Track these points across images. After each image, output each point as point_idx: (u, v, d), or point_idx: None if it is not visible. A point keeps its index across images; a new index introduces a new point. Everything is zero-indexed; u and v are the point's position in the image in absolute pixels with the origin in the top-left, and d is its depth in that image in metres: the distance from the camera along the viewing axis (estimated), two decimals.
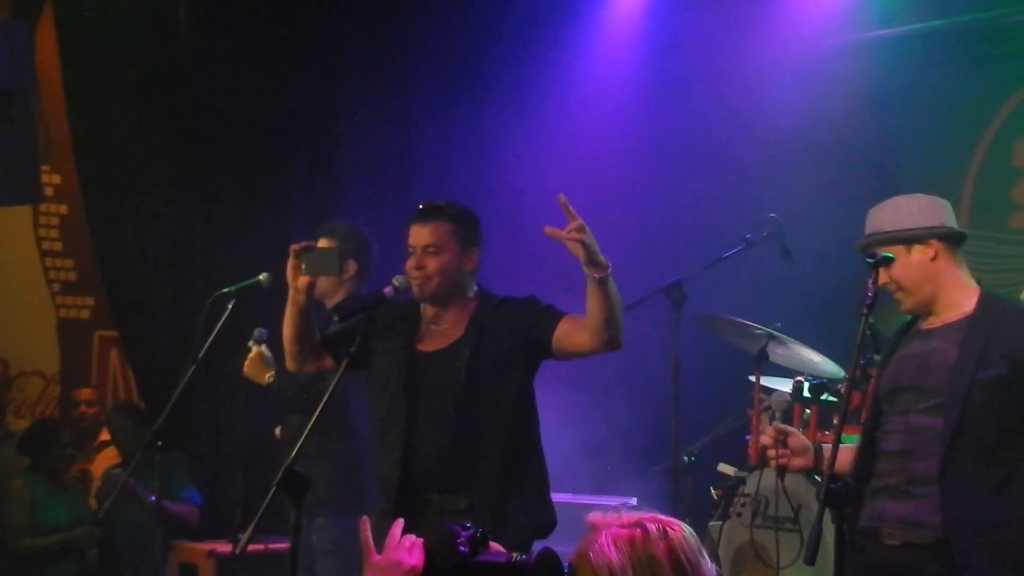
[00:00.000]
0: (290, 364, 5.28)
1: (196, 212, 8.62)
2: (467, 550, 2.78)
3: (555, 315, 4.99)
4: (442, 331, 5.12)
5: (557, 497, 6.94)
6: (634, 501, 6.92)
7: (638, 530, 2.63)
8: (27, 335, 9.62)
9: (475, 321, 5.05)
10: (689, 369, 6.37)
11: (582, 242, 4.66)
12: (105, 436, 8.60)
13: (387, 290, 4.91)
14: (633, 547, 2.60)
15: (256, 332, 6.40)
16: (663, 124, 8.31)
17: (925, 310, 4.58)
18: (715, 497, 6.67)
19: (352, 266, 6.22)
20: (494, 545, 2.84)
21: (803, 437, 4.67)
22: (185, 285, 8.51)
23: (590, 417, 7.63)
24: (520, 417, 5.04)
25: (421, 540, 2.83)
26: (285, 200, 8.80)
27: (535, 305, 5.08)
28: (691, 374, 6.47)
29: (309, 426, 4.53)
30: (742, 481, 6.43)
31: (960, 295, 4.54)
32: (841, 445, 4.42)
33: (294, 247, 5.06)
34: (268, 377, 6.15)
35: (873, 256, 4.42)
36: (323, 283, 5.83)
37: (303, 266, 5.02)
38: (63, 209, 9.67)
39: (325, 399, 4.57)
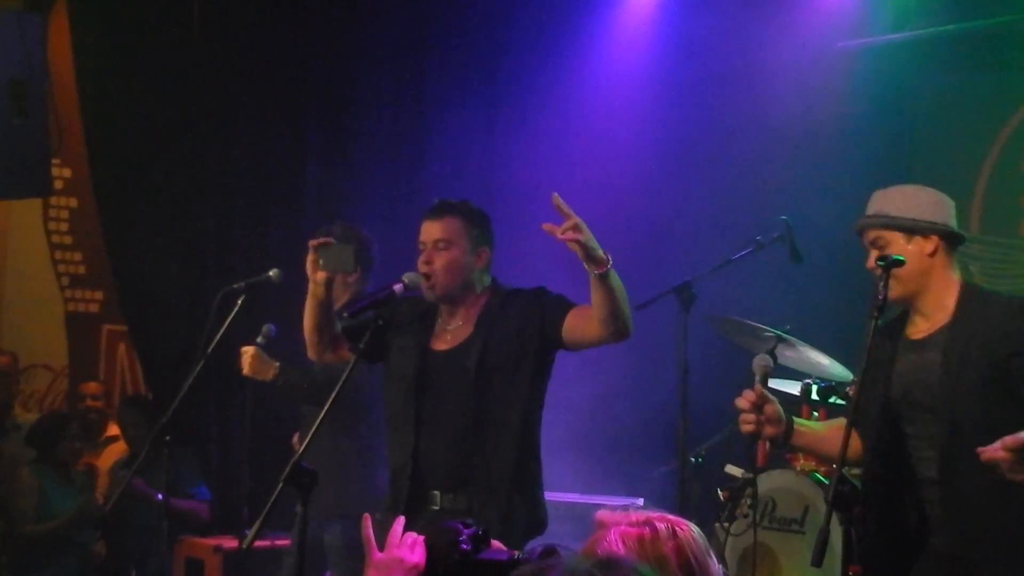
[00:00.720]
0: (311, 354, 5.35)
1: (208, 207, 8.63)
2: (469, 548, 2.78)
3: (564, 306, 5.00)
4: (454, 330, 5.13)
5: (565, 497, 6.98)
6: (641, 502, 6.90)
7: (647, 529, 2.63)
8: (36, 328, 9.64)
9: (483, 318, 5.06)
10: (697, 370, 6.36)
11: (578, 240, 4.62)
12: (114, 430, 8.61)
13: (397, 287, 4.92)
14: (642, 545, 2.61)
15: (265, 328, 6.40)
16: (675, 124, 8.31)
17: (909, 303, 4.56)
18: (722, 498, 6.65)
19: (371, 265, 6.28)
20: (495, 543, 2.84)
21: (779, 407, 4.65)
22: (196, 280, 8.52)
23: (598, 417, 7.63)
24: (528, 416, 5.05)
25: (423, 538, 2.84)
26: (298, 196, 8.80)
27: (544, 296, 5.08)
28: (699, 375, 6.46)
29: (317, 422, 4.53)
30: (749, 483, 6.41)
31: (946, 296, 4.53)
32: (816, 425, 4.47)
33: (312, 243, 5.09)
34: (273, 373, 6.15)
35: (885, 259, 4.41)
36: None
37: (320, 261, 5.04)
38: (73, 202, 9.68)
39: (333, 395, 4.57)
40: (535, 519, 5.04)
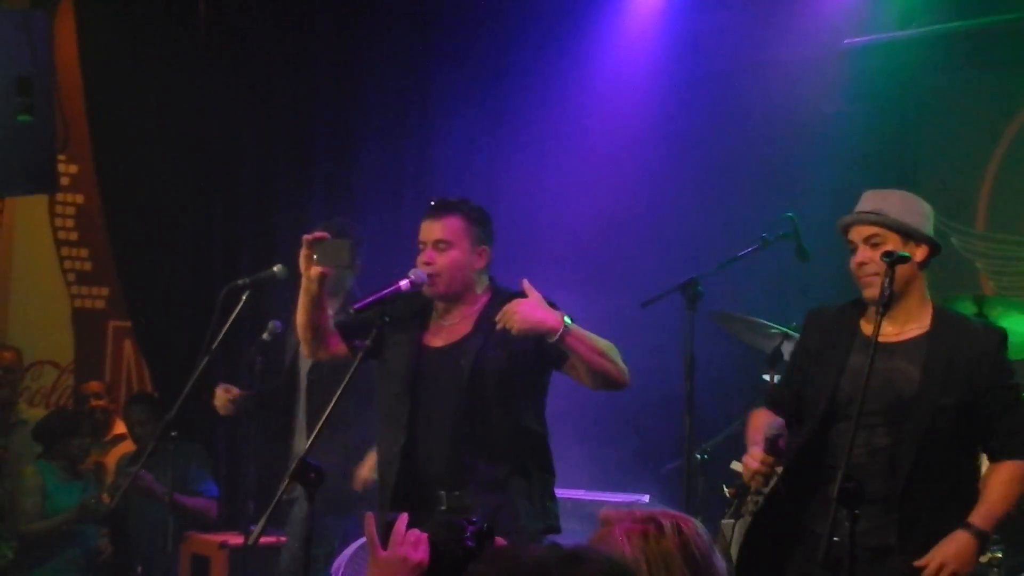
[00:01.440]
0: (305, 351, 5.35)
1: (215, 204, 8.63)
2: (473, 545, 2.78)
3: None
4: (450, 327, 5.12)
5: (569, 494, 6.97)
6: (647, 498, 6.92)
7: (651, 525, 2.64)
8: (42, 325, 9.65)
9: (484, 318, 5.04)
10: (703, 367, 6.36)
11: (527, 332, 4.73)
12: (121, 428, 8.62)
13: (403, 283, 4.91)
14: (647, 542, 2.61)
15: (271, 324, 6.42)
16: (681, 122, 8.30)
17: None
18: (728, 495, 6.65)
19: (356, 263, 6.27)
20: (499, 540, 2.84)
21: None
22: (202, 276, 8.53)
23: (603, 414, 7.62)
24: (525, 418, 5.04)
25: (426, 535, 2.83)
26: (304, 193, 8.80)
27: None
28: (705, 372, 6.46)
29: (323, 419, 4.53)
30: None
31: (919, 309, 4.62)
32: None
33: (307, 237, 5.07)
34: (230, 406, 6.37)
35: (891, 254, 4.42)
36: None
37: (315, 256, 5.02)
38: (79, 199, 9.69)
39: (340, 391, 4.57)
40: (542, 526, 5.01)
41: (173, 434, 6.01)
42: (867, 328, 4.59)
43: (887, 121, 7.97)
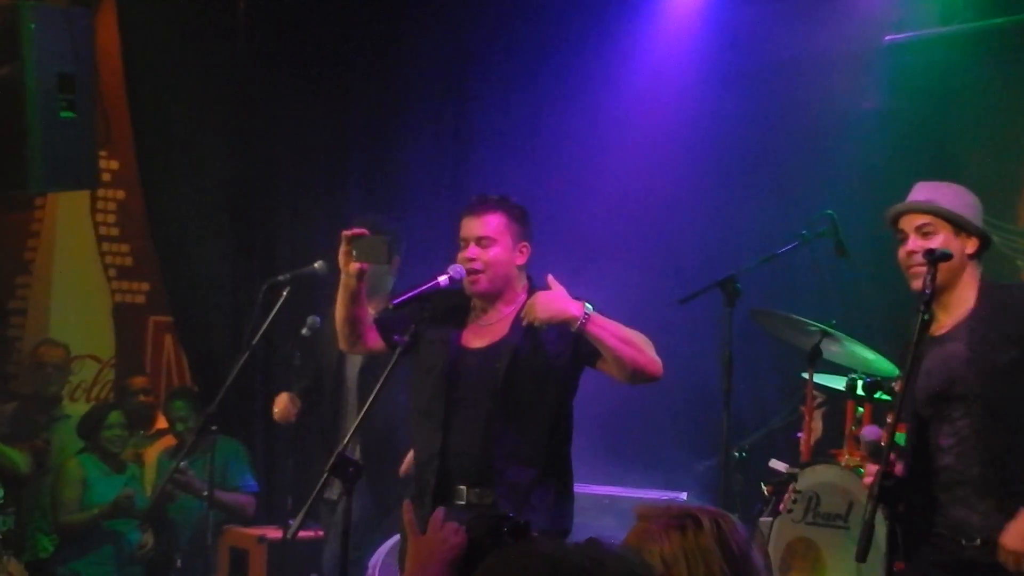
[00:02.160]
0: (342, 345, 5.34)
1: (254, 199, 8.67)
2: (510, 539, 2.80)
3: None
4: (488, 327, 5.11)
5: (606, 490, 6.98)
6: (684, 496, 6.91)
7: (689, 521, 2.64)
8: (83, 319, 9.71)
9: (519, 320, 5.03)
10: (742, 364, 6.35)
11: (549, 321, 4.74)
12: (163, 423, 8.66)
13: (442, 279, 4.92)
14: (685, 537, 2.61)
15: (310, 320, 6.45)
16: (720, 119, 8.28)
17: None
18: (766, 493, 6.64)
19: (395, 260, 6.28)
20: (535, 536, 2.85)
21: None
22: (242, 272, 8.56)
23: (641, 411, 7.62)
24: (556, 421, 5.05)
25: (463, 528, 2.86)
26: (343, 188, 8.83)
27: None
28: (744, 369, 6.45)
29: (361, 415, 4.56)
30: (793, 478, 6.40)
31: (969, 293, 4.59)
32: None
33: (345, 233, 5.08)
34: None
35: (932, 252, 4.40)
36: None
37: (353, 252, 5.03)
38: (120, 195, 9.74)
39: (379, 386, 4.59)
40: (560, 527, 5.01)
41: (213, 429, 6.04)
42: (932, 328, 4.57)
43: (927, 118, 7.93)
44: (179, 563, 7.81)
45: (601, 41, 8.61)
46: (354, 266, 5.04)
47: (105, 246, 9.82)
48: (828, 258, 6.64)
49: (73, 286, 9.72)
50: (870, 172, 7.68)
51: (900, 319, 4.52)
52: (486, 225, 5.04)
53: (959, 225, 4.54)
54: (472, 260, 5.02)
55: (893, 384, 6.12)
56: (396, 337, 4.94)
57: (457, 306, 5.16)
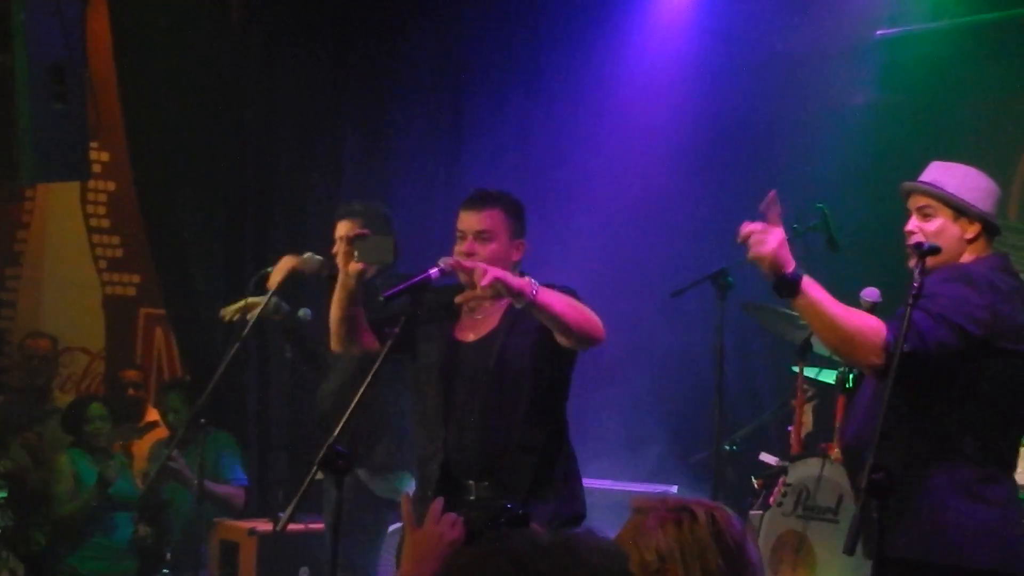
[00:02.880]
0: (335, 345, 5.27)
1: (247, 190, 8.65)
2: (508, 529, 2.79)
3: None
4: (480, 320, 5.12)
5: (598, 484, 6.99)
6: (675, 489, 6.92)
7: (685, 514, 2.64)
8: (74, 311, 9.71)
9: (509, 311, 5.04)
10: (733, 358, 6.36)
11: (494, 284, 4.61)
12: (153, 416, 8.65)
13: (433, 272, 4.89)
14: (681, 530, 2.61)
15: (301, 312, 6.43)
16: (712, 113, 8.29)
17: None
18: (756, 486, 6.66)
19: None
20: (534, 526, 2.85)
21: None
22: (234, 264, 8.55)
23: (632, 404, 7.63)
24: (552, 408, 5.06)
25: (462, 519, 2.85)
26: (336, 179, 8.82)
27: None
28: (735, 363, 6.46)
29: (350, 409, 4.54)
30: (784, 471, 6.41)
31: None
32: None
33: (348, 234, 5.05)
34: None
35: (920, 245, 4.39)
36: None
37: (356, 253, 4.99)
38: (111, 186, 9.73)
39: (368, 380, 4.58)
40: (570, 512, 5.02)
41: (203, 421, 6.03)
42: None
43: (919, 112, 7.94)
44: (169, 556, 7.80)
45: (594, 35, 8.62)
46: (355, 266, 5.00)
47: (96, 238, 9.81)
48: (820, 252, 6.64)
49: (63, 278, 9.72)
50: (862, 166, 7.70)
51: (891, 312, 4.50)
52: (485, 220, 5.04)
53: (959, 209, 4.52)
54: (471, 254, 5.01)
55: None
56: (387, 329, 4.92)
57: (449, 301, 5.15)
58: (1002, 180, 7.69)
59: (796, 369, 6.56)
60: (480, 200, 5.09)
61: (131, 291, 9.84)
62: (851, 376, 6.24)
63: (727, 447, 6.83)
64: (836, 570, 5.95)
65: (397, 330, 4.74)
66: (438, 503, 2.89)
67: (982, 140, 7.92)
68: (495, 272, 4.63)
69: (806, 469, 6.24)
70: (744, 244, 4.54)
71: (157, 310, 9.44)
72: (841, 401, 6.40)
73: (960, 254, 4.52)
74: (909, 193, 4.63)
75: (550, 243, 7.59)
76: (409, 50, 8.95)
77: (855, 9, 8.09)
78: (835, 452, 6.27)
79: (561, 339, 4.87)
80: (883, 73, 7.98)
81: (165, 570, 7.66)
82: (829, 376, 6.47)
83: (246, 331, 6.00)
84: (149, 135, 8.51)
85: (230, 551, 7.51)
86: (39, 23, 6.32)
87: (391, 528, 6.35)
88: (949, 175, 4.58)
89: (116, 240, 9.79)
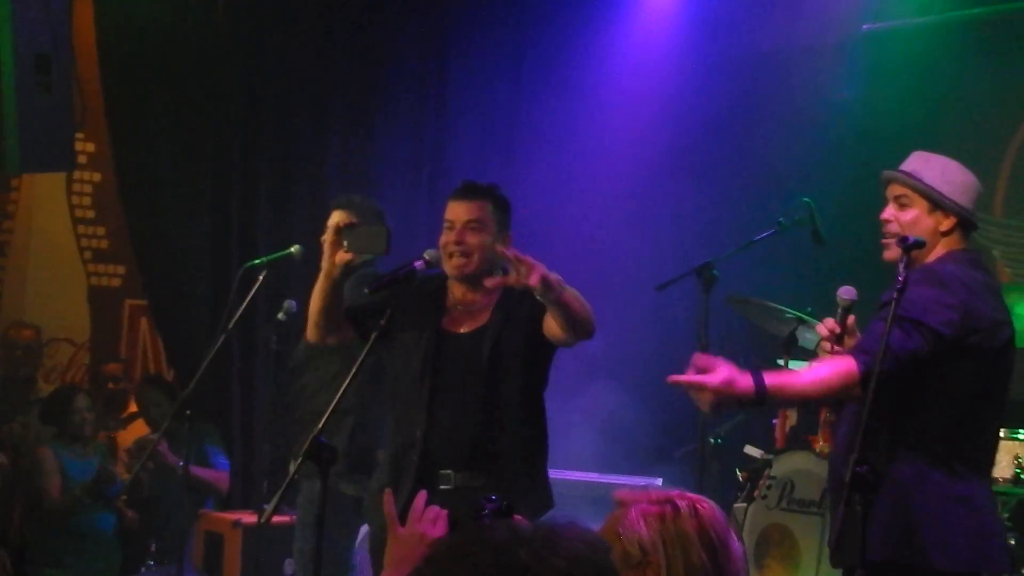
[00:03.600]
0: (312, 335, 5.21)
1: (232, 182, 8.63)
2: (492, 522, 2.78)
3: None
4: (470, 313, 5.12)
5: (584, 476, 6.99)
6: (659, 482, 6.93)
7: (668, 507, 2.64)
8: (58, 302, 9.68)
9: (501, 306, 5.05)
10: (718, 351, 6.33)
11: (543, 282, 4.62)
12: (134, 408, 8.64)
13: (418, 264, 4.89)
14: (663, 523, 2.62)
15: (286, 304, 6.42)
16: (699, 106, 8.29)
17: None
18: (741, 479, 6.67)
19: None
20: (518, 518, 2.84)
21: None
22: (219, 256, 8.54)
23: (617, 397, 7.63)
24: (536, 400, 5.09)
25: (445, 512, 2.84)
26: (321, 172, 8.80)
27: None
28: (719, 355, 6.45)
29: (335, 401, 4.54)
30: (768, 464, 6.43)
31: None
32: None
33: (336, 224, 5.04)
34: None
35: (906, 240, 4.38)
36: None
37: (346, 243, 4.96)
38: (96, 177, 9.71)
39: (353, 372, 4.58)
40: (544, 499, 5.07)
41: (188, 412, 6.02)
42: None
43: (905, 107, 7.95)
44: (154, 547, 7.79)
45: (582, 29, 8.62)
46: (343, 256, 4.98)
47: (81, 228, 9.79)
48: (805, 246, 6.66)
49: (48, 269, 9.69)
50: (847, 160, 7.71)
51: (870, 308, 4.50)
52: (475, 210, 5.06)
53: (935, 202, 4.51)
54: (460, 243, 5.02)
55: None
56: (371, 322, 4.91)
57: (433, 292, 5.15)
58: (987, 176, 7.73)
59: (781, 362, 6.56)
60: (470, 191, 5.12)
61: (116, 282, 9.82)
62: None
63: (712, 440, 6.84)
64: (819, 563, 5.96)
65: (383, 322, 4.73)
66: (421, 497, 2.88)
67: (968, 135, 7.93)
68: (542, 269, 4.63)
69: (790, 462, 6.25)
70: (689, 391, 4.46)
71: (142, 301, 9.42)
72: None
73: (933, 246, 4.52)
74: (888, 181, 4.62)
75: (535, 235, 7.60)
76: (393, 41, 8.94)
77: (841, 3, 8.10)
78: (819, 445, 6.29)
79: (559, 332, 4.87)
80: (869, 68, 7.99)
81: (150, 561, 7.65)
82: None
83: (231, 323, 5.99)
84: (132, 126, 8.48)
85: (215, 543, 7.51)
86: (25, 14, 6.31)
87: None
88: (928, 166, 4.56)
89: (101, 231, 9.77)
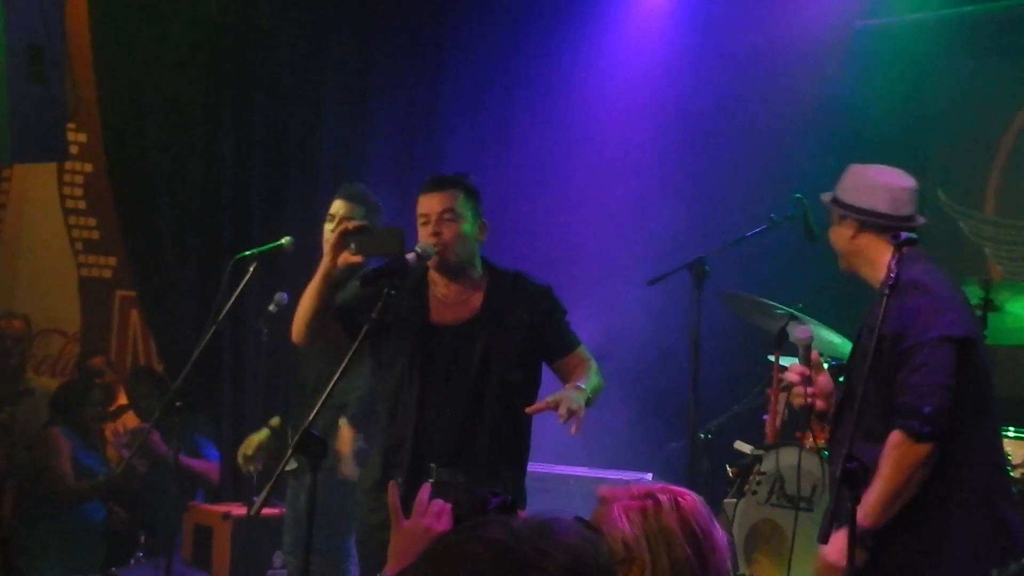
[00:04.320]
0: (298, 337, 5.17)
1: (223, 174, 8.61)
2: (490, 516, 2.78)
3: (567, 344, 5.18)
4: (455, 303, 5.11)
5: (572, 471, 6.99)
6: (649, 476, 6.93)
7: (649, 501, 2.64)
8: (49, 293, 9.67)
9: (491, 297, 5.04)
10: (709, 346, 6.36)
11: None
12: (123, 400, 8.64)
13: (410, 257, 4.89)
14: (645, 518, 2.61)
15: (277, 296, 6.42)
16: (692, 103, 8.29)
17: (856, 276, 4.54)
18: (731, 475, 6.67)
19: None
20: (522, 514, 2.84)
21: (828, 379, 4.54)
22: (210, 247, 8.51)
23: (608, 392, 7.62)
24: (525, 402, 5.07)
25: (449, 506, 2.84)
26: (314, 164, 8.78)
27: (554, 312, 5.16)
28: (710, 351, 6.46)
29: (324, 395, 4.52)
30: (758, 459, 6.43)
31: (879, 274, 4.42)
32: None
33: (343, 227, 5.00)
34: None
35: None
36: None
37: (353, 246, 4.92)
38: (88, 168, 9.69)
39: (343, 366, 4.56)
40: (520, 498, 5.07)
41: (178, 404, 6.01)
42: None
43: (898, 104, 7.96)
44: (143, 539, 7.79)
45: (575, 24, 8.62)
46: (351, 258, 4.95)
47: (72, 219, 9.78)
48: (797, 242, 6.65)
49: (39, 259, 9.68)
50: (840, 156, 7.67)
51: (867, 304, 4.50)
52: (447, 200, 5.06)
53: (833, 211, 4.52)
54: (439, 234, 5.01)
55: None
56: (363, 316, 4.88)
57: (414, 285, 5.13)
58: (980, 173, 7.76)
59: (772, 358, 6.57)
60: (438, 183, 5.12)
61: (107, 273, 9.80)
62: (825, 366, 6.27)
63: (702, 435, 6.84)
64: (810, 559, 5.95)
65: (374, 315, 4.69)
66: (425, 491, 2.86)
67: (960, 133, 7.95)
68: (576, 420, 4.79)
69: (781, 458, 6.25)
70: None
71: (133, 293, 9.40)
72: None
73: (854, 252, 4.51)
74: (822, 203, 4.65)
75: (529, 231, 7.60)
76: (387, 37, 8.92)
77: (836, 0, 8.11)
78: (809, 441, 6.29)
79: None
80: (863, 64, 8.00)
81: (139, 553, 7.64)
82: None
83: (222, 315, 5.97)
84: (124, 117, 8.46)
85: (204, 535, 7.50)
86: (18, 4, 6.29)
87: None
88: (844, 178, 4.56)
89: (92, 222, 9.76)
